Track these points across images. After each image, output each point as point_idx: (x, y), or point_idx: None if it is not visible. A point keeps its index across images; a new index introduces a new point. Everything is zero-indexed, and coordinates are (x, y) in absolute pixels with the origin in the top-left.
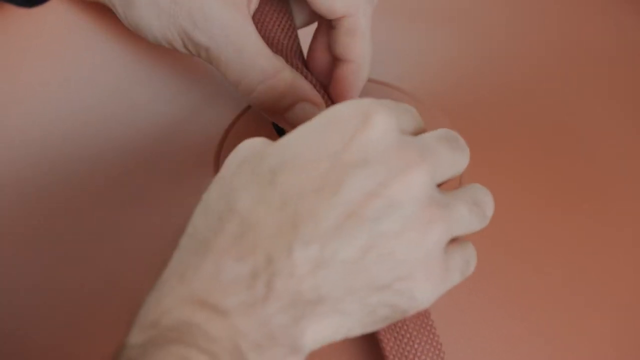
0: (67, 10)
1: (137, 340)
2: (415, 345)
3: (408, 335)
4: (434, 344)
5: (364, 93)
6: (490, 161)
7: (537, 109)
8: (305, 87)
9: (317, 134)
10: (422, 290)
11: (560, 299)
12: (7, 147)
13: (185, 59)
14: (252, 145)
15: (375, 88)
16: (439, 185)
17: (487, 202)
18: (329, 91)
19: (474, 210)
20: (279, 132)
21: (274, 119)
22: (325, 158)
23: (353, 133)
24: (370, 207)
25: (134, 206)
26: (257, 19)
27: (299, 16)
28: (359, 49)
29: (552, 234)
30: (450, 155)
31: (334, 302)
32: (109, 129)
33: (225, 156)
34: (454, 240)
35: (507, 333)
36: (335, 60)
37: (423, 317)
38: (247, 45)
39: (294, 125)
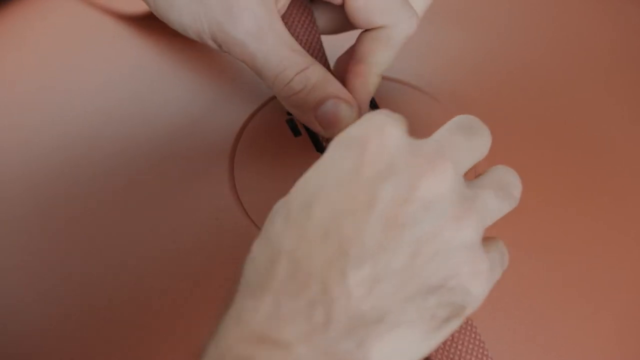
0: (82, 9)
1: None
2: (459, 346)
3: (450, 337)
4: (476, 342)
5: (380, 90)
6: (505, 157)
7: (552, 105)
8: (336, 83)
9: (334, 160)
10: (474, 284)
11: (573, 295)
12: (22, 147)
13: (197, 59)
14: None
15: (390, 85)
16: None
17: (513, 182)
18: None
19: (500, 195)
20: (294, 130)
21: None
22: (350, 179)
23: (367, 148)
24: (405, 214)
25: (149, 206)
26: (284, 21)
27: (325, 24)
28: (381, 57)
29: (566, 230)
30: (467, 143)
31: (394, 315)
32: (122, 128)
33: (240, 154)
34: (484, 238)
35: (516, 329)
36: (353, 59)
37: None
38: (279, 38)
39: (323, 123)
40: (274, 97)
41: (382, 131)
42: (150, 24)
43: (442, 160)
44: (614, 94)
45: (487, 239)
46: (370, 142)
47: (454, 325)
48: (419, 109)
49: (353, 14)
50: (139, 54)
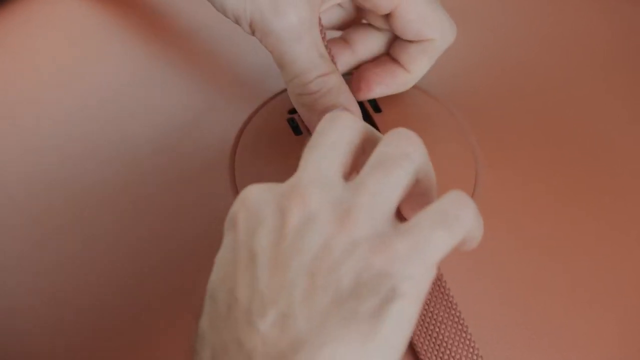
0: (82, 9)
1: None
2: (449, 347)
3: (441, 337)
4: (465, 334)
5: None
6: (504, 156)
7: (551, 104)
8: (349, 94)
9: (223, 245)
10: (394, 265)
11: (575, 295)
12: (21, 147)
13: (198, 59)
14: None
15: None
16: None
17: (397, 147)
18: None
19: (386, 169)
20: (294, 129)
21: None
22: (232, 253)
23: (237, 220)
24: (285, 250)
25: (149, 205)
26: None
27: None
28: (424, 67)
29: (566, 230)
30: (327, 146)
31: (317, 338)
32: (122, 128)
33: (240, 154)
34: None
35: (517, 328)
36: (387, 62)
37: (454, 317)
38: (314, 41)
39: None
40: (274, 97)
41: (244, 200)
42: (151, 23)
43: (298, 188)
44: (612, 92)
45: (425, 207)
46: (238, 215)
47: (398, 307)
48: (419, 109)
49: (404, 26)
50: (139, 54)
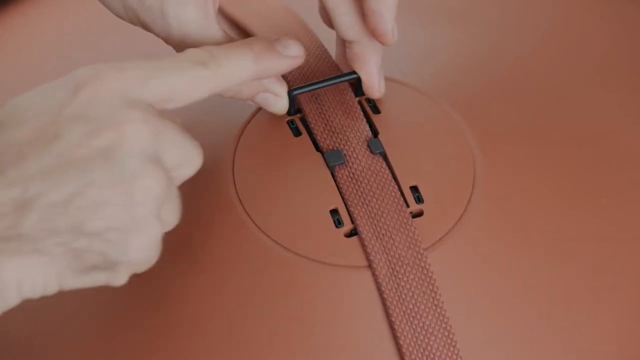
0: (81, 8)
1: None
2: (429, 334)
3: (425, 327)
4: (447, 330)
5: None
6: (504, 156)
7: (551, 104)
8: (264, 80)
9: (46, 89)
10: (135, 245)
11: (576, 294)
12: None
13: None
14: None
15: (390, 85)
16: None
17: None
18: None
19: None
20: (294, 131)
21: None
22: (48, 111)
23: (80, 91)
24: (80, 156)
25: None
26: None
27: None
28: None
29: (565, 229)
30: (181, 141)
31: (34, 242)
32: None
33: (240, 154)
34: None
35: (517, 327)
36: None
37: (439, 310)
38: (205, 43)
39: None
40: None
41: (102, 82)
42: None
43: (139, 123)
44: (611, 91)
45: None
46: (86, 91)
47: (99, 278)
48: (418, 110)
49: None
50: (140, 54)
